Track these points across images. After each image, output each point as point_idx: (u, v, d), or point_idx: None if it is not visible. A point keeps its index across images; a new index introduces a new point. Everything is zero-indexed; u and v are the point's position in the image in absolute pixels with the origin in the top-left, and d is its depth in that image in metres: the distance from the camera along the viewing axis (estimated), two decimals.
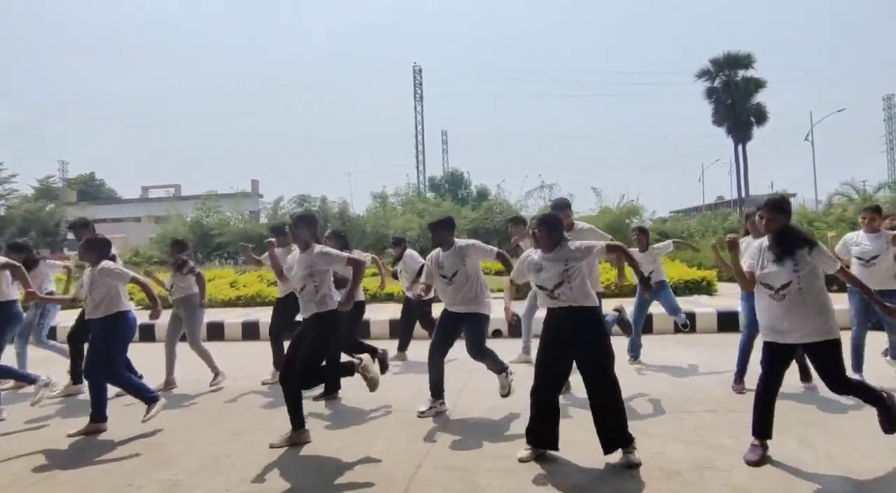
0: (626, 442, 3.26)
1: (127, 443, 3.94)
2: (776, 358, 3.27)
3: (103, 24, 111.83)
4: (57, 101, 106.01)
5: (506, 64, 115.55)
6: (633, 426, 3.42)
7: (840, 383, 3.21)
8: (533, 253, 3.52)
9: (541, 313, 6.65)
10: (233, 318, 8.58)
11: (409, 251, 6.65)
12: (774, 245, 3.20)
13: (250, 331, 8.12)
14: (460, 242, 4.41)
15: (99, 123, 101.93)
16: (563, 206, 4.87)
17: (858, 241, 4.84)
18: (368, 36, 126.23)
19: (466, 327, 4.32)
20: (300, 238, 3.83)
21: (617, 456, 3.27)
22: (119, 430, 4.16)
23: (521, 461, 3.36)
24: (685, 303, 8.54)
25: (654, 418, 4.09)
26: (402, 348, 6.54)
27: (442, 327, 4.40)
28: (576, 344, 3.33)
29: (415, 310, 6.44)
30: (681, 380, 5.15)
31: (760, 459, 3.21)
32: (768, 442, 3.29)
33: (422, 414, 4.25)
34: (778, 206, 3.22)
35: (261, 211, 31.36)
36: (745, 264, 3.33)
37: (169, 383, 5.43)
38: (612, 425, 3.28)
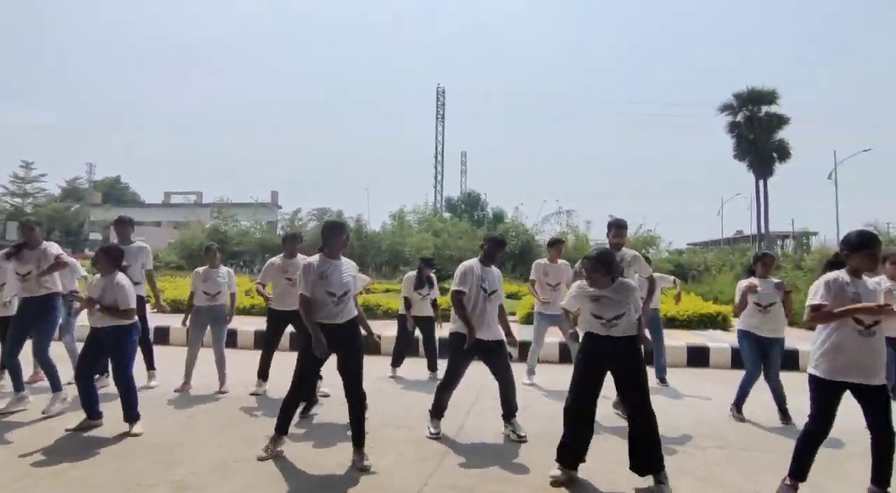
0: (659, 469, 3.33)
1: (136, 444, 4.01)
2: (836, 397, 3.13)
3: (138, 32, 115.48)
4: (89, 105, 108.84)
5: (527, 87, 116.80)
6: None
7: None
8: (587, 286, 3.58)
9: (548, 340, 6.69)
10: (246, 326, 8.67)
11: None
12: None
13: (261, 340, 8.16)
14: (497, 270, 4.51)
15: (129, 128, 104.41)
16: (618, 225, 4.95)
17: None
18: (394, 55, 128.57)
19: (493, 355, 4.33)
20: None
21: (647, 481, 3.35)
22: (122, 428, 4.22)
23: (554, 479, 3.40)
24: (698, 337, 8.46)
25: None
26: (396, 364, 6.55)
27: (462, 352, 4.30)
28: (614, 368, 3.44)
29: (419, 326, 6.54)
30: (691, 414, 5.09)
31: None
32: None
33: (432, 436, 4.27)
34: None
35: (279, 222, 31.76)
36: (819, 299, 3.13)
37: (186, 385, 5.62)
38: (649, 449, 3.35)
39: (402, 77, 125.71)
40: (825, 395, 3.09)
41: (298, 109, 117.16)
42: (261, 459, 3.70)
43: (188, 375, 5.62)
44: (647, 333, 3.66)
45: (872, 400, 3.04)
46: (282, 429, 3.84)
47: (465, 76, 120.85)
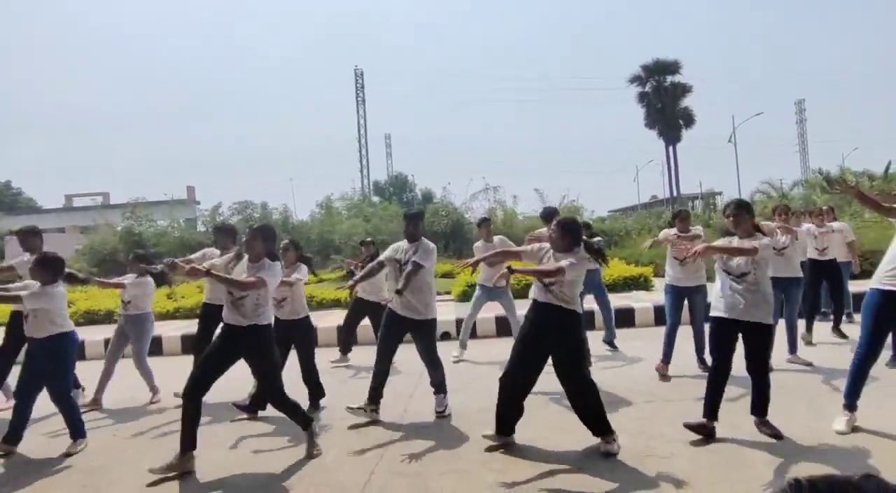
0: (608, 432, 3.50)
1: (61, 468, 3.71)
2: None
3: (28, 26, 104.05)
4: None
5: (447, 69, 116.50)
6: (575, 420, 3.58)
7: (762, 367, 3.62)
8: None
9: (486, 315, 6.81)
10: (171, 331, 8.22)
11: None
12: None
13: (190, 345, 7.78)
14: (427, 242, 4.44)
15: (17, 130, 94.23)
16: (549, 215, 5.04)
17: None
18: (309, 41, 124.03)
19: (416, 334, 4.32)
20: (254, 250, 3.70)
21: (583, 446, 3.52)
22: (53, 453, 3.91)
23: (489, 446, 3.57)
24: (624, 299, 8.89)
25: None
26: (345, 351, 6.43)
27: (387, 330, 4.35)
28: (556, 340, 3.51)
29: (370, 311, 6.30)
30: (621, 372, 5.36)
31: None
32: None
33: (350, 409, 4.26)
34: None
35: (198, 218, 30.14)
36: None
37: (96, 402, 5.17)
38: (593, 415, 3.51)
39: (317, 61, 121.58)
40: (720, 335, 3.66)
41: (206, 98, 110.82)
42: (152, 471, 3.39)
43: (99, 390, 5.21)
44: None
45: (752, 338, 3.58)
46: (186, 446, 3.50)
47: (382, 59, 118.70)
